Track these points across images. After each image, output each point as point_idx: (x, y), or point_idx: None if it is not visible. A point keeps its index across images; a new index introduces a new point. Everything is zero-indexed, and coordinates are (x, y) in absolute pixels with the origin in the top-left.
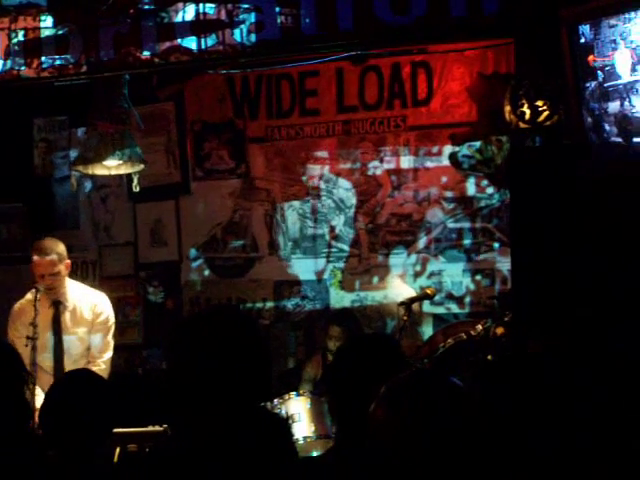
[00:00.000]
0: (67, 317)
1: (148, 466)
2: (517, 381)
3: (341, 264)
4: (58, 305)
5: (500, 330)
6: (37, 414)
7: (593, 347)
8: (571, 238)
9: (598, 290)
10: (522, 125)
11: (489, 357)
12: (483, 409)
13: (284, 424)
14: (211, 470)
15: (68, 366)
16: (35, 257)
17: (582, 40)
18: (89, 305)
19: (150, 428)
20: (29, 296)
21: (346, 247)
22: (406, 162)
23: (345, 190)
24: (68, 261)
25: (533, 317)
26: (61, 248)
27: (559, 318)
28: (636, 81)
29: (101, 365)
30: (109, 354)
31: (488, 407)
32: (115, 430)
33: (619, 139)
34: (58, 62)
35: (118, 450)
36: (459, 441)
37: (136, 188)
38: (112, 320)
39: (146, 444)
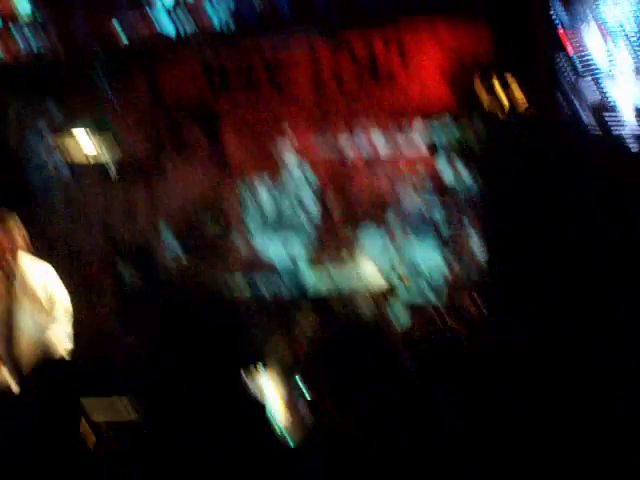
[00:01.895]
0: (18, 290)
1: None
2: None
3: (314, 243)
4: (9, 277)
5: None
6: None
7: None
8: (544, 219)
9: (574, 272)
10: (496, 108)
11: None
12: None
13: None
14: None
15: (17, 339)
16: None
17: (555, 19)
18: (41, 280)
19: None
20: None
21: (318, 226)
22: (380, 142)
23: (319, 169)
24: (25, 233)
25: (509, 299)
26: (18, 221)
27: (535, 300)
28: (615, 73)
29: (54, 342)
30: (64, 332)
31: None
32: None
33: (592, 118)
34: (34, 40)
35: None
36: None
37: (109, 165)
38: (65, 296)
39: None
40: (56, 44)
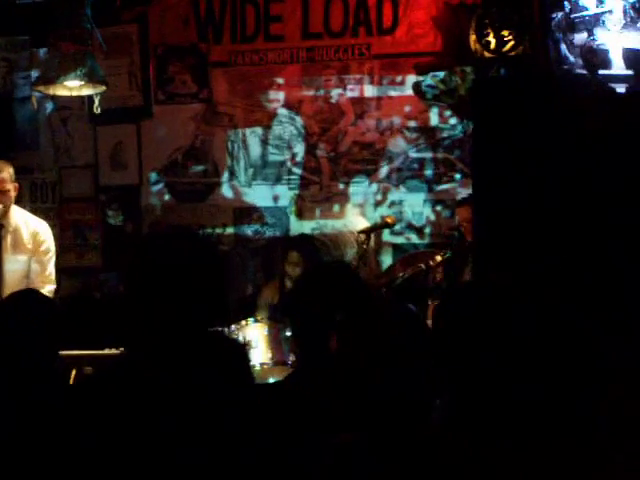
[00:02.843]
0: (8, 241)
1: (103, 387)
2: (478, 309)
3: (302, 192)
4: (0, 227)
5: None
6: None
7: (559, 282)
8: (533, 169)
9: (563, 224)
10: (487, 55)
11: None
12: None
13: (242, 349)
14: (166, 392)
15: (4, 291)
16: None
17: None
18: (31, 231)
19: (107, 351)
20: None
21: (307, 175)
22: (369, 91)
23: (307, 117)
24: (16, 183)
25: (493, 249)
26: (11, 168)
27: (520, 253)
28: (602, 13)
29: None
30: (51, 286)
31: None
32: (71, 352)
33: (584, 71)
34: None
35: (74, 372)
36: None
37: (97, 110)
38: (53, 250)
39: (102, 367)
40: None
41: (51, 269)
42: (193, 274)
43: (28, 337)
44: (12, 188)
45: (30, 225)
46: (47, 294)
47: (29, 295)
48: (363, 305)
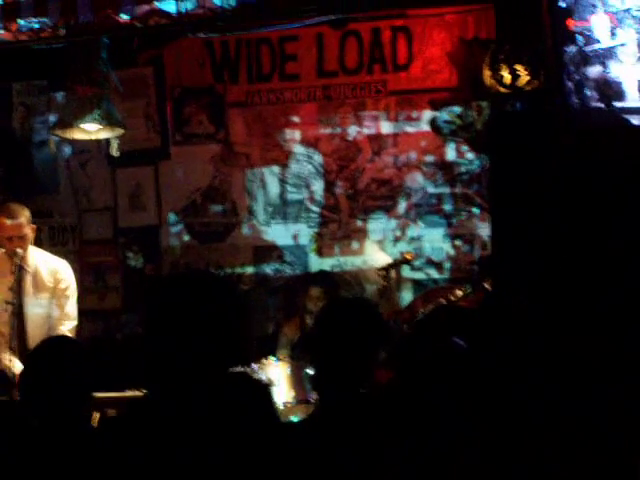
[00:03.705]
0: (28, 282)
1: (126, 430)
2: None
3: (321, 229)
4: (20, 269)
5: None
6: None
7: (577, 311)
8: (551, 203)
9: (580, 254)
10: (502, 90)
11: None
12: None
13: (266, 389)
14: (192, 435)
15: (28, 332)
16: (4, 220)
17: (562, 4)
18: (50, 271)
19: (129, 393)
20: None
21: (326, 212)
22: (386, 127)
23: (325, 155)
24: (34, 225)
25: (513, 282)
26: (28, 212)
27: (540, 283)
28: (616, 46)
29: (65, 334)
30: (72, 323)
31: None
32: (94, 395)
33: (600, 104)
34: (36, 25)
35: (97, 415)
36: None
37: (115, 153)
38: (73, 287)
39: (125, 409)
40: (60, 30)
41: (72, 306)
42: (210, 315)
43: (62, 385)
44: (30, 231)
45: (50, 264)
46: (69, 331)
47: (61, 343)
48: (392, 337)
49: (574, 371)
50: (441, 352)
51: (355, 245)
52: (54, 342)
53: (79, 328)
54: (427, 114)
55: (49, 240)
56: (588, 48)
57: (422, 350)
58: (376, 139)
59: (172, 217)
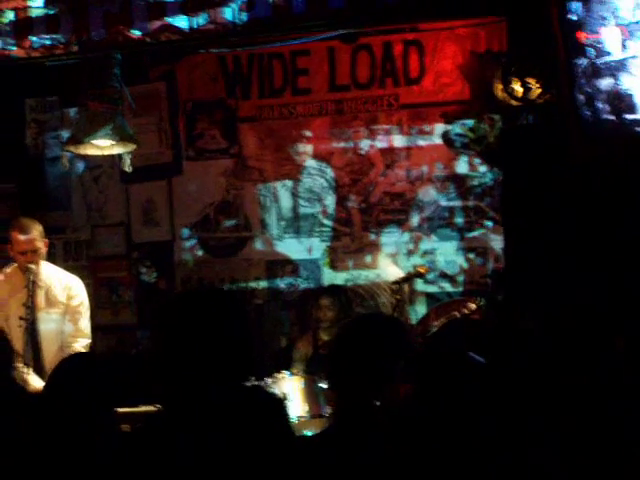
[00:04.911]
0: (41, 297)
1: (140, 445)
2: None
3: (334, 243)
4: (32, 285)
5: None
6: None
7: (586, 325)
8: (563, 215)
9: (592, 268)
10: (514, 103)
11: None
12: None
13: (280, 403)
14: (207, 449)
15: (43, 349)
16: (17, 235)
17: (572, 17)
18: (63, 287)
19: (143, 408)
20: (8, 270)
21: (338, 226)
22: (398, 141)
23: (337, 169)
24: (46, 240)
25: (525, 295)
26: (40, 227)
27: (552, 296)
28: (627, 58)
29: (78, 350)
30: (86, 340)
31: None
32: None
33: (611, 116)
34: (49, 42)
35: None
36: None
37: (128, 168)
38: (86, 304)
39: (139, 424)
40: (72, 46)
41: (85, 323)
42: (221, 330)
43: (85, 400)
44: (42, 245)
45: (62, 280)
46: (83, 348)
47: (81, 360)
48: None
49: (586, 386)
50: (458, 366)
51: (368, 259)
52: (78, 358)
53: (92, 344)
54: (439, 127)
55: (62, 256)
56: (599, 61)
57: (438, 364)
58: (388, 153)
59: (185, 232)
